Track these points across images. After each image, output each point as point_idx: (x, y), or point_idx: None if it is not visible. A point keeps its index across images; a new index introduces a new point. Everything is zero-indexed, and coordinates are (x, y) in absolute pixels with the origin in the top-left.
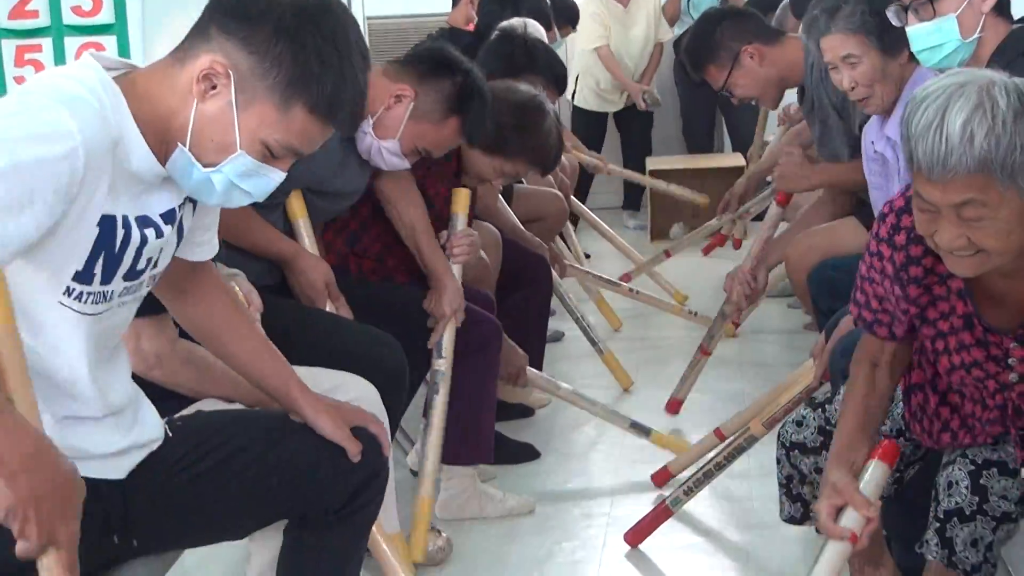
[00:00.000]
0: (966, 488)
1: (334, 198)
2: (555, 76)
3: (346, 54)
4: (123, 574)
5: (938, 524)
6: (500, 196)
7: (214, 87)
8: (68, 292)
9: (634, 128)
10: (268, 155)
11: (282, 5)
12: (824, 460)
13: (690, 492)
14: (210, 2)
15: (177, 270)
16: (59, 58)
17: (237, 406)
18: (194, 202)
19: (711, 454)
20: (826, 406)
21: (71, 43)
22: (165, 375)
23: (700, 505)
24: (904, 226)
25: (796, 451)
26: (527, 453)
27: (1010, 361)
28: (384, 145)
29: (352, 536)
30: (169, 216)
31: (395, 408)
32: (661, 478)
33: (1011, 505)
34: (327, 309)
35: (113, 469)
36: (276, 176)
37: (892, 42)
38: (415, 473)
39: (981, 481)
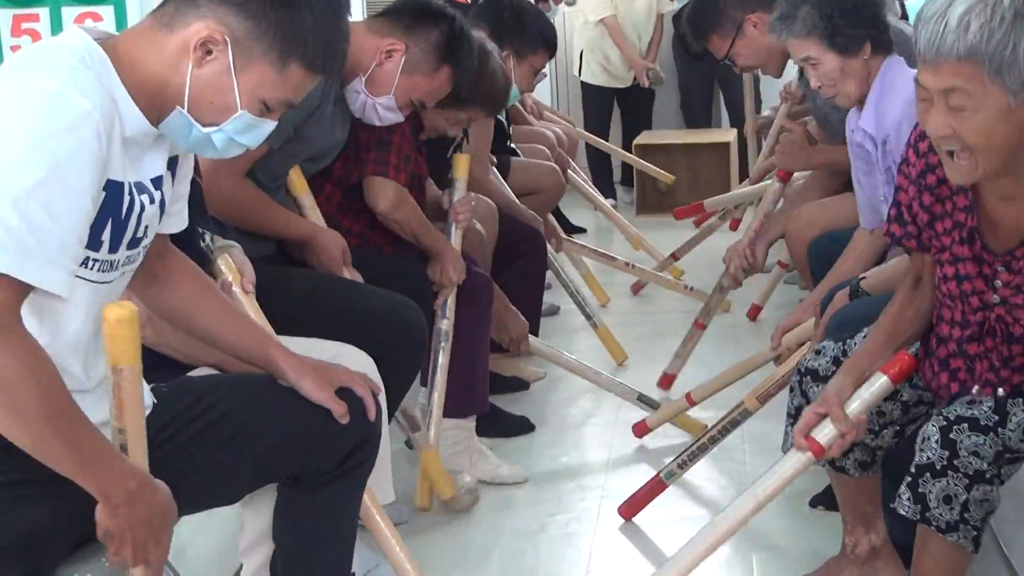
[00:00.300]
0: (936, 443)
1: (317, 159)
2: (544, 39)
3: (335, 5)
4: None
5: (910, 479)
6: (494, 169)
7: (210, 52)
8: (84, 263)
9: (636, 105)
10: (265, 111)
11: None
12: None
13: (684, 465)
14: None
15: (147, 254)
16: (56, 27)
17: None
18: (173, 170)
19: (704, 431)
20: (847, 339)
21: (68, 13)
22: (155, 334)
23: (694, 478)
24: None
25: (809, 377)
26: (522, 426)
27: (996, 283)
28: (379, 102)
29: (345, 495)
30: (158, 182)
31: (410, 367)
32: (641, 429)
33: (983, 463)
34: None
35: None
36: (269, 126)
37: (846, 42)
38: (410, 446)
39: (951, 435)
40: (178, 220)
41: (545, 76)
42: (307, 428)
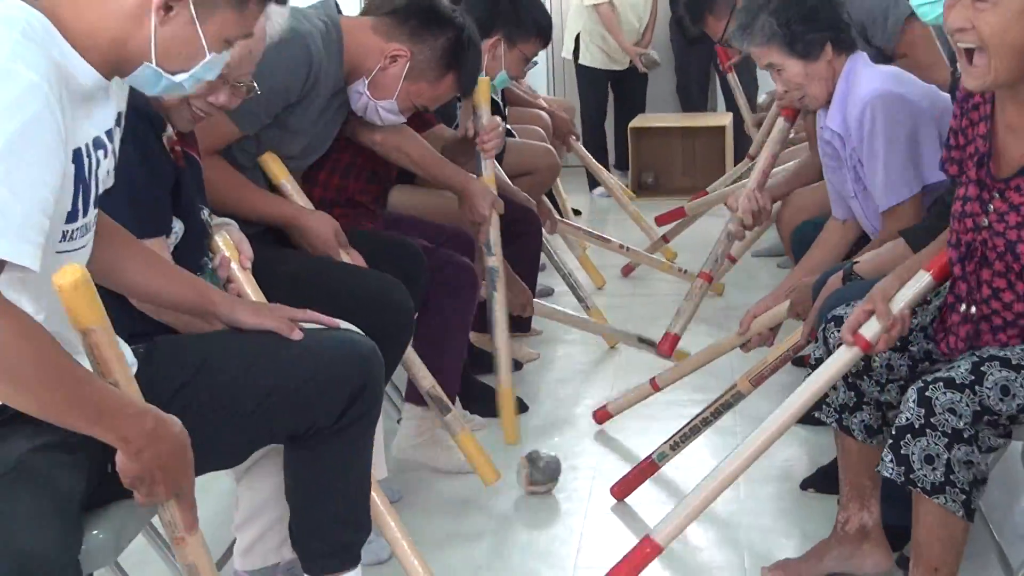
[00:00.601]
0: (913, 402)
1: (300, 157)
2: (539, 26)
3: None
4: (117, 512)
5: (892, 441)
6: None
7: (171, 9)
8: (64, 237)
9: (630, 89)
10: (228, 47)
11: None
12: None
13: (676, 447)
14: None
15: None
16: None
17: None
18: (119, 124)
19: (698, 409)
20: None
21: None
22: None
23: (686, 459)
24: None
25: (832, 323)
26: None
27: (989, 207)
28: (381, 104)
29: (352, 448)
30: (110, 134)
31: (397, 347)
32: (602, 416)
33: (960, 421)
34: (343, 259)
35: None
36: (226, 55)
37: (806, 48)
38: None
39: (927, 394)
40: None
41: (536, 64)
42: (299, 382)
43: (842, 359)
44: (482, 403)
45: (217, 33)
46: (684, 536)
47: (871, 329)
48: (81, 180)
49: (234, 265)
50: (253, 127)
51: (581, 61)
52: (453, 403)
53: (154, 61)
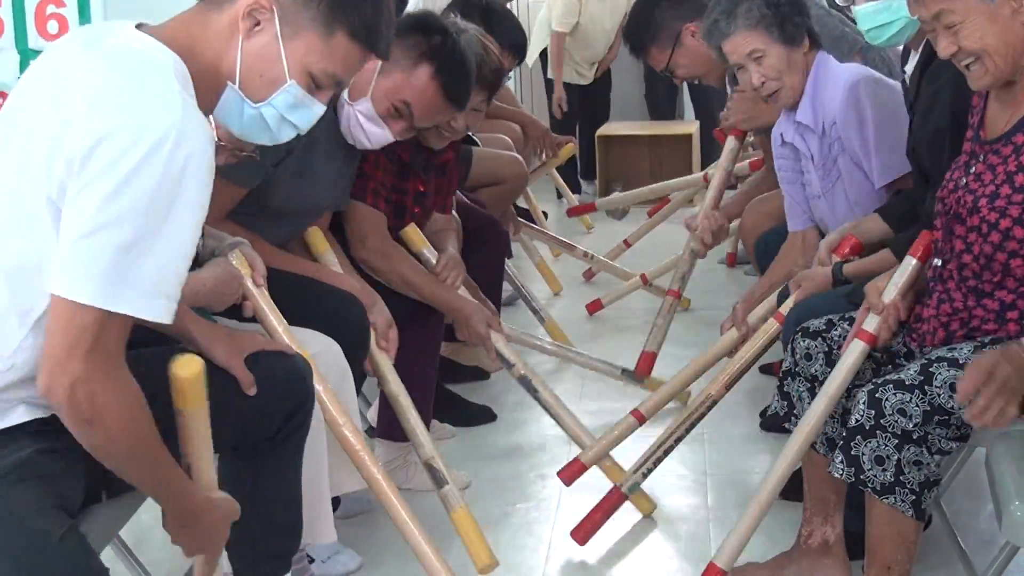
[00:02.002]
0: (864, 403)
1: (302, 215)
2: (512, 44)
3: None
4: (94, 517)
5: (842, 443)
6: None
7: (258, 23)
8: None
9: (595, 100)
10: (313, 86)
11: None
12: (817, 345)
13: (648, 473)
14: None
15: None
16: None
17: None
18: None
19: (669, 430)
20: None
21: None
22: None
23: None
24: None
25: (800, 333)
26: (483, 415)
27: (972, 169)
28: (359, 110)
29: (286, 460)
30: None
31: (358, 362)
32: (570, 473)
33: (909, 423)
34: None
35: None
36: (318, 108)
37: (792, 32)
38: (373, 429)
39: (877, 395)
40: None
41: (510, 79)
42: (243, 396)
43: (852, 356)
44: (452, 412)
45: (301, 58)
46: (652, 541)
47: (871, 323)
48: None
49: (248, 282)
50: (256, 179)
51: (550, 75)
52: (429, 421)
53: (237, 80)
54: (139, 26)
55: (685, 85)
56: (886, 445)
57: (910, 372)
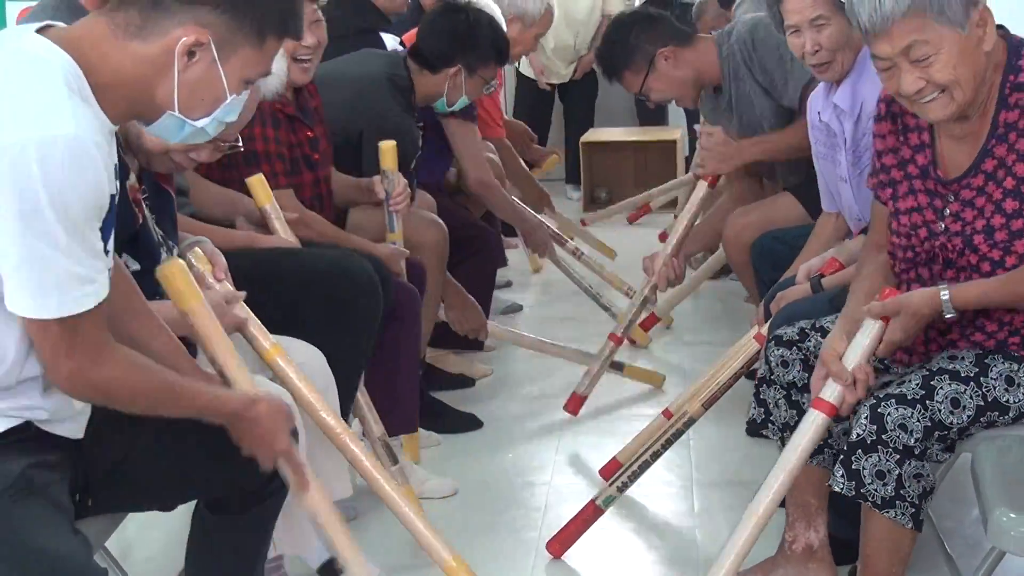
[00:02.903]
0: (865, 419)
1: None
2: (497, 49)
3: None
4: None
5: (843, 457)
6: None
7: (193, 55)
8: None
9: (576, 100)
10: (246, 87)
11: None
12: (792, 353)
13: (624, 487)
14: None
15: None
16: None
17: None
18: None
19: (646, 446)
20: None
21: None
22: None
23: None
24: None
25: (773, 343)
26: (469, 423)
27: (945, 211)
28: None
29: (258, 524)
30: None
31: (371, 318)
32: (610, 470)
33: (911, 438)
34: None
35: (75, 429)
36: (244, 96)
37: None
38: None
39: (879, 410)
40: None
41: (496, 85)
42: (232, 451)
43: (812, 429)
44: (438, 419)
45: (238, 73)
46: (640, 548)
47: (832, 392)
48: (110, 221)
49: (210, 279)
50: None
51: (520, 69)
52: (416, 424)
53: (177, 109)
54: (45, 27)
55: None
56: (887, 460)
57: (912, 385)
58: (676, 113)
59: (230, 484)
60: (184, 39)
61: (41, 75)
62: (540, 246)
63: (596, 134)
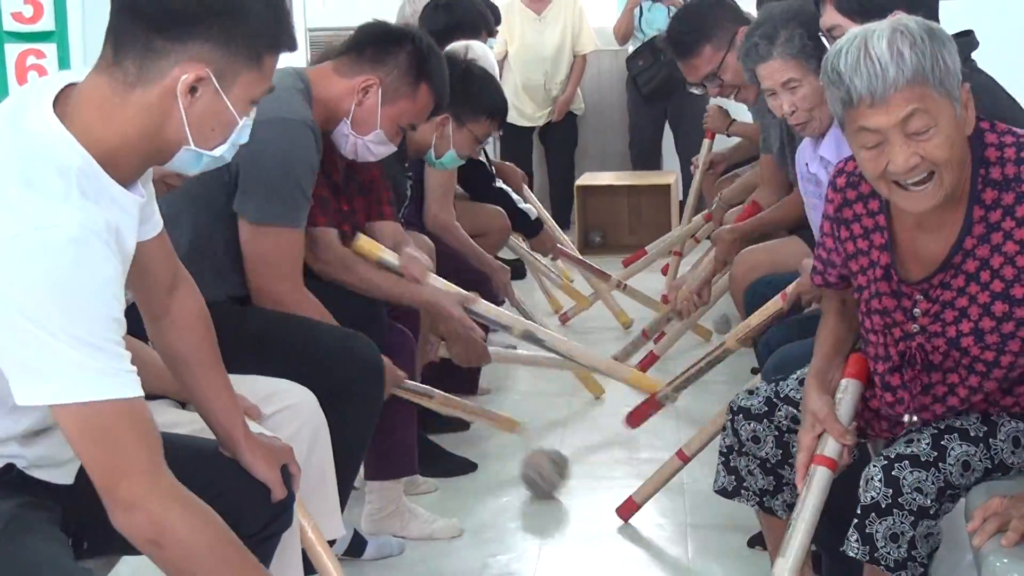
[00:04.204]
0: (879, 481)
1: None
2: (491, 108)
3: None
4: None
5: (857, 521)
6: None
7: (195, 90)
8: None
9: (557, 143)
10: (254, 105)
11: None
12: (764, 429)
13: (680, 389)
14: (135, 24)
15: (155, 292)
16: None
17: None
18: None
19: (696, 360)
20: (779, 381)
21: (11, 50)
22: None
23: (638, 522)
24: (847, 170)
25: (741, 416)
26: (463, 465)
27: (915, 311)
28: (368, 140)
29: (264, 559)
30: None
31: (374, 401)
32: (627, 510)
33: (926, 499)
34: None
35: (64, 475)
36: (252, 114)
37: None
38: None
39: (893, 473)
40: (150, 226)
41: (489, 144)
42: (237, 488)
43: (819, 486)
44: (434, 464)
45: (243, 97)
46: None
47: (831, 448)
48: None
49: None
50: (304, 217)
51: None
52: (415, 467)
53: (191, 143)
54: (64, 89)
55: (670, 132)
56: (902, 523)
57: (923, 447)
58: (670, 158)
59: (234, 526)
60: (184, 78)
61: (52, 174)
62: (501, 290)
63: (590, 178)
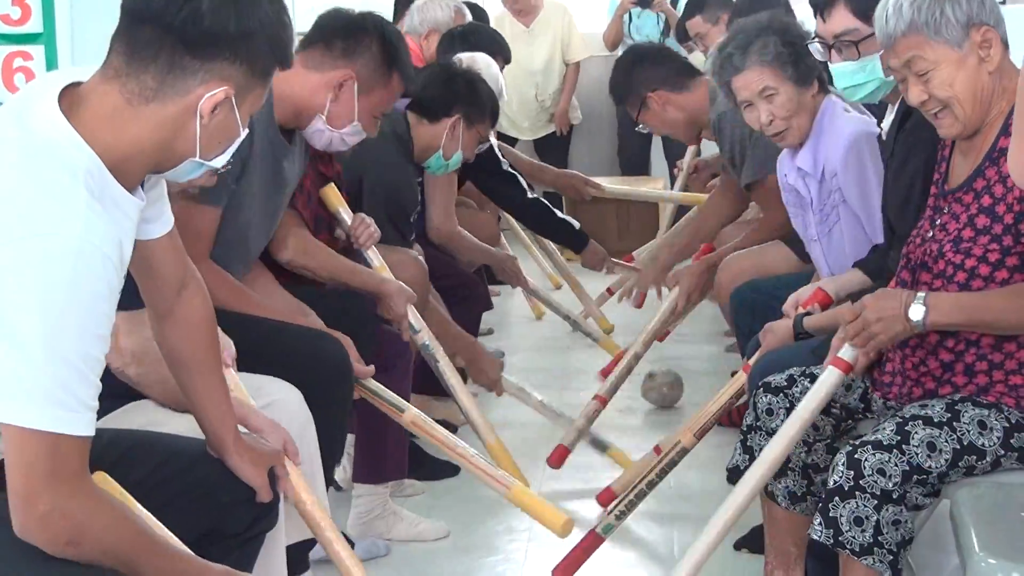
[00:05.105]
0: (843, 465)
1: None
2: (492, 108)
3: (278, 3)
4: None
5: (821, 505)
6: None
7: (215, 108)
8: None
9: (551, 152)
10: (249, 118)
11: (225, 11)
12: (779, 401)
13: (622, 516)
14: (161, 39)
15: (162, 290)
16: None
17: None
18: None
19: (641, 476)
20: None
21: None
22: (139, 375)
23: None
24: None
25: (762, 389)
26: (448, 469)
27: (937, 220)
28: (344, 133)
29: (244, 562)
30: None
31: (343, 400)
32: (606, 498)
33: (889, 482)
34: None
35: None
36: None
37: (805, 73)
38: (339, 487)
39: (856, 456)
40: (159, 225)
41: (487, 145)
42: (222, 489)
43: (827, 384)
44: (419, 467)
45: (249, 111)
46: None
47: (848, 352)
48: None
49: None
50: (224, 197)
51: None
52: (406, 470)
53: (198, 155)
54: (70, 87)
55: (659, 139)
56: (865, 506)
57: (886, 432)
58: (659, 163)
59: (215, 526)
60: (209, 95)
61: (60, 175)
62: (512, 278)
63: None
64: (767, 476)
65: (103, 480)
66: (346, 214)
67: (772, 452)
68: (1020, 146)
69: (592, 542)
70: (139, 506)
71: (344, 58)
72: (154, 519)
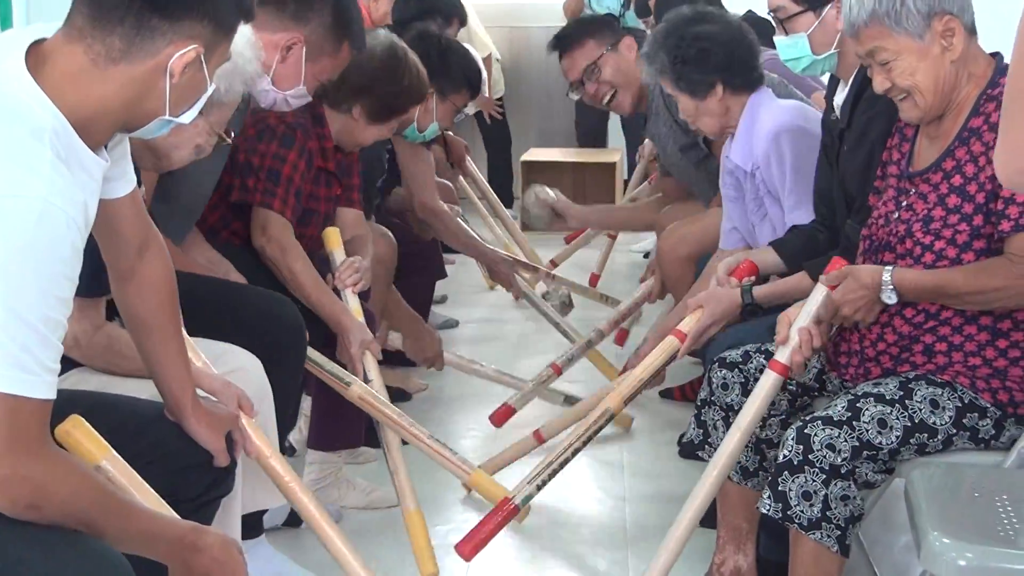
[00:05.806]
0: (793, 440)
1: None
2: (468, 80)
3: None
4: None
5: (770, 479)
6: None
7: (185, 68)
8: None
9: (493, 124)
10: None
11: None
12: (733, 376)
13: (543, 486)
14: (127, 2)
15: (123, 253)
16: None
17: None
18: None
19: (567, 443)
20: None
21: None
22: (81, 357)
23: (580, 495)
24: None
25: (717, 364)
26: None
27: (903, 202)
28: (289, 94)
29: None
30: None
31: (296, 364)
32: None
33: (838, 457)
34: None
35: None
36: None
37: (692, 87)
38: (293, 450)
39: (806, 431)
40: (122, 184)
41: (466, 115)
42: (177, 454)
43: (764, 388)
44: (372, 435)
45: (216, 66)
46: (571, 566)
47: (783, 353)
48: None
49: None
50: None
51: None
52: (361, 439)
53: (167, 113)
54: (34, 45)
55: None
56: (813, 480)
57: (838, 408)
58: (615, 135)
59: (171, 492)
60: (179, 54)
61: (25, 136)
62: (505, 281)
63: (536, 153)
64: (710, 495)
65: (77, 424)
66: (339, 259)
67: (715, 467)
68: (1005, 143)
69: (508, 512)
70: (113, 452)
71: (294, 21)
72: (126, 466)
